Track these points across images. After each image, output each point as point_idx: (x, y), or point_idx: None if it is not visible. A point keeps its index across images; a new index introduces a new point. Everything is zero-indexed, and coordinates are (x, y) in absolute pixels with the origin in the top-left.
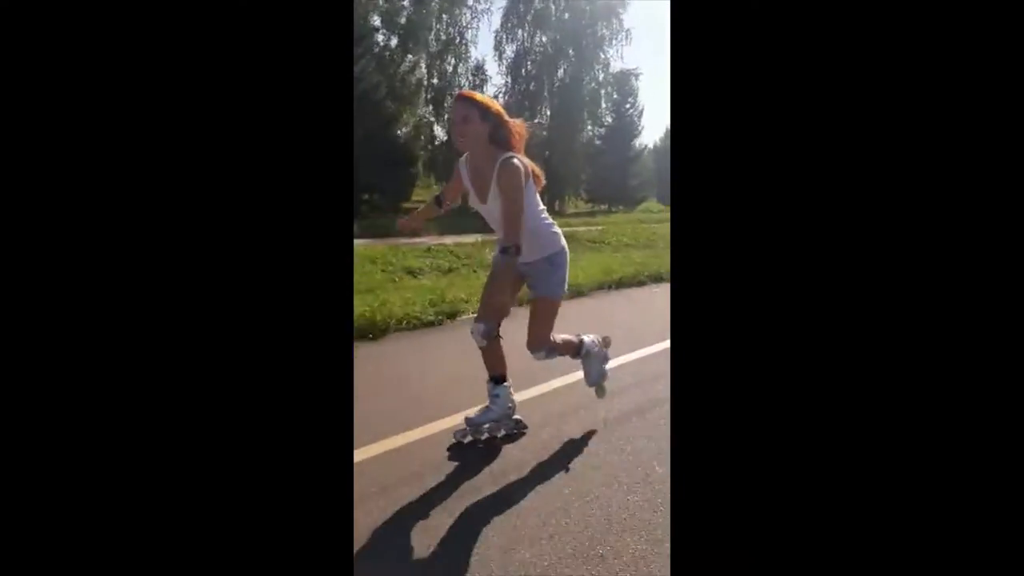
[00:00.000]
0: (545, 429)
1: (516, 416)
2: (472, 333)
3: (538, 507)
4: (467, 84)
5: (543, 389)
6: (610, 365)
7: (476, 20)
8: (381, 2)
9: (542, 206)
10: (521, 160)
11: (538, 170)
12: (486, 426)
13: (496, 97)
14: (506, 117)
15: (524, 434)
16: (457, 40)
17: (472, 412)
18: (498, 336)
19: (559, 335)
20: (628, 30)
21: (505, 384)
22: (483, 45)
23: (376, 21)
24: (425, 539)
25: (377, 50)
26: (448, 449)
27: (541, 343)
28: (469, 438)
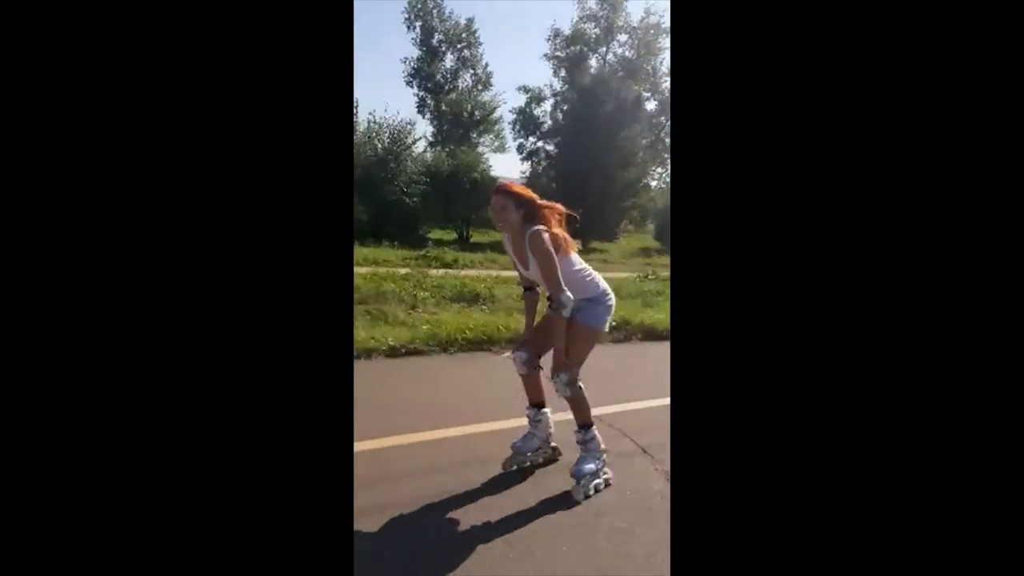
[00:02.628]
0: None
1: (553, 444)
2: (513, 361)
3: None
4: None
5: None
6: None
7: None
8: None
9: (578, 264)
10: (548, 230)
11: (569, 239)
12: (529, 453)
13: None
14: (539, 202)
15: (558, 460)
16: None
17: (517, 439)
18: (539, 367)
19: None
20: None
21: (545, 410)
22: None
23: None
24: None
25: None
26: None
27: (568, 365)
28: (515, 467)
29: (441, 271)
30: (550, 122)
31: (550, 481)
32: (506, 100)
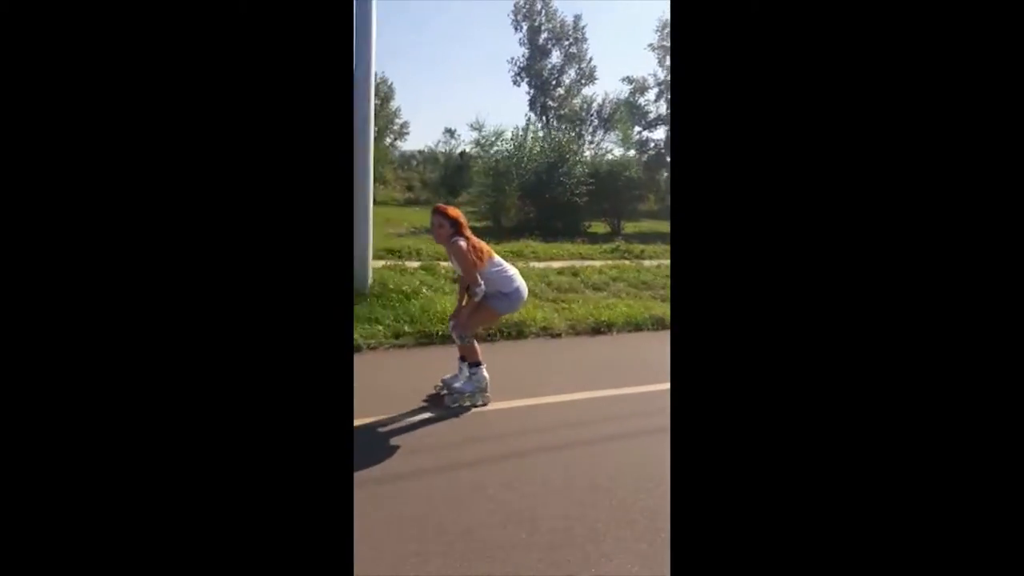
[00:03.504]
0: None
1: (488, 393)
2: (452, 332)
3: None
4: None
5: (529, 402)
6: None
7: None
8: None
9: (498, 267)
10: (466, 241)
11: (485, 249)
12: (468, 393)
13: None
14: (463, 222)
15: (486, 404)
16: None
17: (448, 375)
18: (472, 337)
19: (479, 347)
20: None
21: (481, 366)
22: None
23: None
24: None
25: None
26: (424, 400)
27: (462, 327)
28: (445, 391)
29: (653, 262)
30: (655, 111)
31: (579, 470)
32: (621, 95)
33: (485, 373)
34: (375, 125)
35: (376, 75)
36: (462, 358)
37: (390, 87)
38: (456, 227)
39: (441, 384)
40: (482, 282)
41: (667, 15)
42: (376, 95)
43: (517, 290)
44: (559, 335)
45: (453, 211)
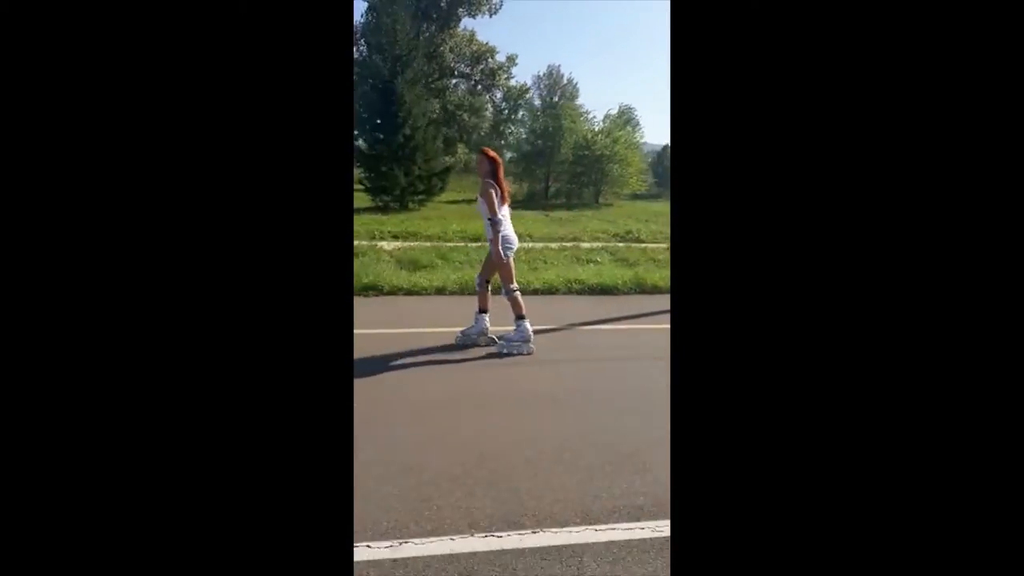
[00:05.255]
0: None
1: (532, 344)
2: (477, 287)
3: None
4: None
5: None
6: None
7: None
8: None
9: (502, 215)
10: (494, 183)
11: (508, 191)
12: (517, 342)
13: None
14: (499, 162)
15: (531, 353)
16: None
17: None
18: (518, 290)
19: (522, 301)
20: None
21: (525, 319)
22: None
23: None
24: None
25: None
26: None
27: (504, 282)
28: (462, 344)
29: None
30: None
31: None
32: None
33: (528, 325)
34: (564, 121)
35: (561, 74)
36: (480, 310)
37: (575, 86)
38: (493, 165)
39: (460, 335)
40: (501, 218)
41: None
42: (562, 96)
43: (507, 237)
44: None
45: (492, 153)
